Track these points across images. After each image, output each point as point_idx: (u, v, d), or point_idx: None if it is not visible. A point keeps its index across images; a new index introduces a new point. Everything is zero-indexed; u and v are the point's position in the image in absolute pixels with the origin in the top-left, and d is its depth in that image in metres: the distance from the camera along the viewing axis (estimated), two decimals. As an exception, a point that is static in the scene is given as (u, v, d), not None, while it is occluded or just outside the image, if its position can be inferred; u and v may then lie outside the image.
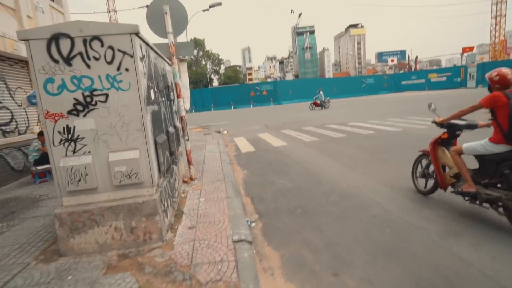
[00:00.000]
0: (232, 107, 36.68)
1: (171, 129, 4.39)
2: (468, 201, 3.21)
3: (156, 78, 3.84)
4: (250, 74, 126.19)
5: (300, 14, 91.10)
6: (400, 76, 49.01)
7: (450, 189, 3.51)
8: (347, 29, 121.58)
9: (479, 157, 3.09)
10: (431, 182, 3.83)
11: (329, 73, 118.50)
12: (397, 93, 42.83)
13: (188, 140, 5.27)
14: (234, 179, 5.25)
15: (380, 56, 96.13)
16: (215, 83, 72.62)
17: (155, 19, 4.98)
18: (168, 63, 5.15)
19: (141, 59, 3.10)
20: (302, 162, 6.24)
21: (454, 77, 42.24)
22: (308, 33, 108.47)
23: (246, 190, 4.71)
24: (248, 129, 13.33)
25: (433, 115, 3.80)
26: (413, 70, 60.08)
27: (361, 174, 5.06)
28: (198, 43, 65.41)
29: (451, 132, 3.53)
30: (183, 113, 5.15)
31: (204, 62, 69.06)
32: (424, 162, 3.98)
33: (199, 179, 5.23)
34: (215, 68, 71.72)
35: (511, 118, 2.72)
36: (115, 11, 49.55)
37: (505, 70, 2.88)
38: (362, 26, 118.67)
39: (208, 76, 65.69)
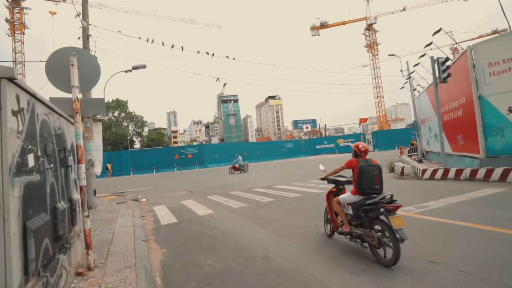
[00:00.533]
0: (154, 170, 34.25)
1: (61, 205, 3.32)
2: (348, 239, 4.18)
3: (42, 139, 2.95)
4: (175, 137, 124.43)
5: (224, 84, 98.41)
6: (315, 141, 55.15)
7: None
8: (266, 99, 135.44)
9: (350, 204, 4.01)
10: (330, 226, 4.75)
11: (252, 137, 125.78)
12: (313, 156, 47.30)
13: (88, 216, 4.12)
14: (149, 264, 4.18)
15: (296, 123, 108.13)
16: (137, 146, 68.34)
17: (58, 71, 4.22)
18: (70, 122, 4.26)
19: (16, 112, 2.30)
20: (232, 234, 5.56)
21: (356, 141, 49.51)
22: (232, 101, 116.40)
23: (164, 280, 3.70)
24: (170, 195, 12.08)
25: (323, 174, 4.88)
26: (323, 136, 68.76)
27: (295, 245, 4.64)
28: (120, 104, 62.46)
29: (337, 186, 4.61)
30: (83, 182, 4.11)
31: (126, 124, 65.30)
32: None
33: (101, 267, 3.99)
34: (137, 130, 68.09)
35: (359, 177, 3.74)
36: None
37: (358, 143, 4.02)
38: (279, 98, 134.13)
39: (129, 138, 61.56)
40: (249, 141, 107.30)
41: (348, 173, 4.42)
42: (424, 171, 11.44)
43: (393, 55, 22.45)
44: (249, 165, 24.65)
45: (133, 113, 65.55)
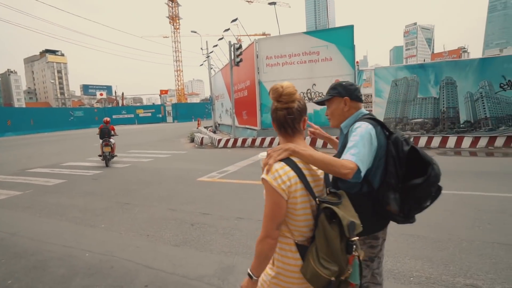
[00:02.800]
0: None
1: None
2: None
3: None
4: None
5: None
6: (111, 110, 49.30)
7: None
8: (43, 53, 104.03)
9: None
10: None
11: (20, 102, 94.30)
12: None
13: None
14: None
15: (86, 88, 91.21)
16: None
17: None
18: None
19: None
20: (2, 237, 3.95)
21: (157, 113, 49.20)
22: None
23: None
24: None
25: None
26: (120, 105, 62.86)
27: (105, 230, 4.02)
28: None
29: None
30: None
31: None
32: None
33: None
34: None
35: None
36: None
37: None
38: (62, 54, 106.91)
39: None
40: (15, 106, 79.77)
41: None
42: (219, 140, 13.23)
43: (195, 32, 23.53)
44: None
45: None
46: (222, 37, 16.63)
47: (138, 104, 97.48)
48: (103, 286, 2.69)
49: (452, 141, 9.55)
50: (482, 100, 9.42)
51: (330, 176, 1.33)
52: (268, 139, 12.01)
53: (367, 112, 1.62)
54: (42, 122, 35.06)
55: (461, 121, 9.67)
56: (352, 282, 1.09)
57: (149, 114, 48.94)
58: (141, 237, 3.73)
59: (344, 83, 1.61)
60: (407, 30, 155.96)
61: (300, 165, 1.18)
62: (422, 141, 9.80)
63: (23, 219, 4.68)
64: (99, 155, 9.51)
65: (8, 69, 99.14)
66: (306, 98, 11.88)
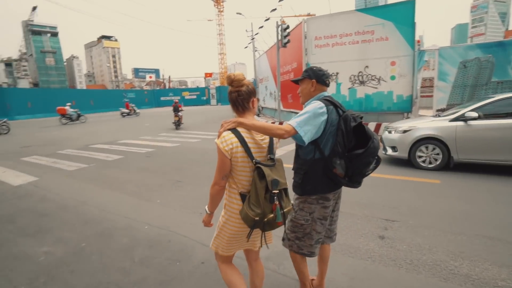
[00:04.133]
0: None
1: None
2: None
3: None
4: None
5: (34, 8, 72.24)
6: (159, 92, 51.93)
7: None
8: (99, 39, 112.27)
9: None
10: None
11: (81, 84, 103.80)
12: (157, 108, 44.82)
13: None
14: None
15: (137, 71, 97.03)
16: None
17: None
18: None
19: None
20: (73, 205, 4.38)
21: (201, 95, 50.63)
22: (48, 34, 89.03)
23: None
24: (-49, 161, 8.21)
25: None
26: (167, 88, 65.82)
27: (161, 206, 4.22)
28: None
29: None
30: None
31: None
32: None
33: None
34: None
35: None
36: None
37: None
38: (116, 40, 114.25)
39: None
40: (77, 87, 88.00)
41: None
42: (264, 124, 13.12)
43: (240, 13, 23.28)
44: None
45: None
46: (268, 18, 16.19)
47: (183, 86, 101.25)
48: (162, 258, 2.81)
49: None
50: None
51: (274, 148, 1.68)
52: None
53: (328, 94, 1.92)
54: (100, 102, 38.31)
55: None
56: (278, 221, 1.51)
57: (194, 97, 50.57)
58: (194, 215, 3.84)
59: (314, 68, 1.94)
60: (475, 4, 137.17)
61: (245, 134, 1.57)
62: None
63: (90, 189, 5.12)
64: (173, 122, 14.43)
65: (72, 55, 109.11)
66: (357, 81, 11.15)
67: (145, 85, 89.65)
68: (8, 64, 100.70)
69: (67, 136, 13.11)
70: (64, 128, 17.03)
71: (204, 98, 50.27)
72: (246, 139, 1.56)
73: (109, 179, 5.72)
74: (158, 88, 65.38)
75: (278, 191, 1.49)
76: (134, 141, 10.61)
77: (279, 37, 12.16)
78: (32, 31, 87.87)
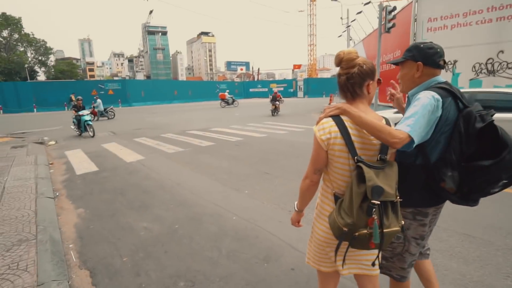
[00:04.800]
0: (66, 108, 29.10)
1: None
2: None
3: None
4: (91, 70, 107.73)
5: (151, 11, 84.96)
6: (248, 84, 54.28)
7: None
8: (199, 35, 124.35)
9: None
10: None
11: (182, 76, 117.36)
12: (247, 99, 46.82)
13: None
14: (59, 232, 3.12)
15: (229, 64, 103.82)
16: (42, 78, 56.01)
17: None
18: None
19: None
20: (170, 185, 4.70)
21: (288, 88, 50.60)
22: (160, 33, 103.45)
23: (82, 254, 2.75)
24: (87, 138, 10.17)
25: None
26: (256, 80, 68.22)
27: (248, 197, 4.11)
28: (10, 21, 47.58)
29: None
30: None
31: (22, 49, 51.36)
32: None
33: (-21, 240, 2.78)
34: (40, 59, 54.02)
35: None
36: None
37: None
38: (213, 35, 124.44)
39: (27, 66, 49.18)
40: (179, 79, 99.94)
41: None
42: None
43: (336, 0, 21.86)
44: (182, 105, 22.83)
45: (31, 36, 51.59)
46: (369, 1, 14.61)
47: (271, 79, 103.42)
48: (250, 255, 2.62)
49: None
50: None
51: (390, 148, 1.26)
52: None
53: (444, 80, 1.45)
54: (197, 92, 42.39)
55: None
56: (373, 241, 1.13)
57: (281, 89, 50.89)
58: (282, 211, 3.57)
59: (422, 45, 1.45)
60: None
61: (349, 124, 1.24)
62: None
63: (185, 172, 5.45)
64: (270, 110, 16.71)
65: (176, 50, 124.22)
66: (485, 70, 8.97)
67: (236, 77, 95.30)
68: (130, 60, 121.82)
69: (167, 122, 14.77)
70: (165, 116, 19.33)
71: (291, 90, 50.11)
72: (350, 130, 1.23)
73: (202, 164, 6.00)
74: (247, 80, 68.53)
75: (379, 202, 1.11)
76: (224, 129, 11.12)
77: (383, 21, 10.74)
78: (148, 31, 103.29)
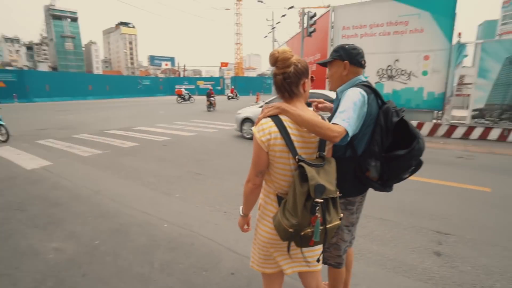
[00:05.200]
0: None
1: None
2: None
3: None
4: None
5: (54, -8, 73.30)
6: (174, 80, 51.90)
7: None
8: (117, 25, 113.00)
9: None
10: None
11: (98, 69, 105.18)
12: (172, 96, 44.73)
13: None
14: None
15: (152, 59, 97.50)
16: None
17: None
18: None
19: None
20: (87, 194, 4.08)
21: (216, 85, 50.29)
22: (69, 19, 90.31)
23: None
24: (-32, 140, 8.13)
25: None
26: (181, 76, 65.80)
27: (180, 201, 3.86)
28: None
29: None
30: None
31: None
32: None
33: None
34: None
35: None
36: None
37: None
38: (133, 26, 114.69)
39: None
40: (94, 73, 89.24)
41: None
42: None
43: (261, 1, 22.53)
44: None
45: None
46: (292, 6, 15.51)
47: (198, 76, 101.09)
48: (186, 264, 2.44)
49: None
50: None
51: (327, 144, 1.32)
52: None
53: (365, 79, 1.60)
54: (115, 88, 38.47)
55: None
56: (313, 239, 1.15)
57: (209, 86, 50.31)
58: (218, 213, 3.46)
59: (347, 46, 1.58)
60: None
61: (288, 124, 1.23)
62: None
63: (105, 178, 4.82)
64: (206, 105, 17.81)
65: (90, 40, 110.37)
66: (385, 75, 10.46)
67: (160, 72, 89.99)
68: (29, 47, 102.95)
69: (82, 120, 13.00)
70: (85, 113, 17.03)
71: (219, 88, 49.92)
72: (289, 130, 1.23)
73: (125, 168, 5.41)
74: (173, 76, 65.40)
75: (322, 200, 1.13)
76: (150, 128, 10.33)
77: (305, 25, 11.51)
78: (53, 15, 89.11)
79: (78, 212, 3.46)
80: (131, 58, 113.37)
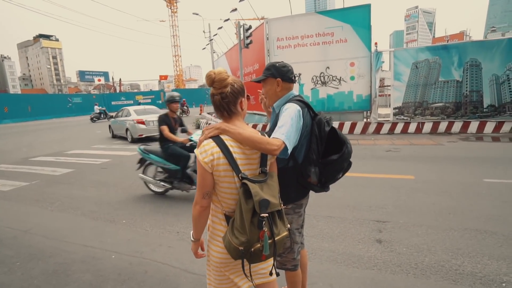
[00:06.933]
0: None
1: None
2: None
3: None
4: None
5: None
6: (110, 96, 48.42)
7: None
8: (36, 38, 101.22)
9: None
10: None
11: (15, 88, 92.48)
12: (109, 112, 41.58)
13: None
14: None
15: (82, 75, 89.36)
16: None
17: None
18: None
19: None
20: (12, 235, 3.54)
21: (156, 99, 48.32)
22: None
23: None
24: None
25: None
26: (117, 91, 61.69)
27: (127, 227, 3.61)
28: None
29: None
30: None
31: None
32: None
33: None
34: None
35: None
36: None
37: None
38: (57, 39, 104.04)
39: None
40: (10, 92, 78.14)
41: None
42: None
43: (197, 14, 22.56)
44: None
45: None
46: (227, 19, 15.84)
47: (136, 90, 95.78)
48: (141, 295, 2.30)
49: (474, 126, 9.13)
50: (509, 83, 8.93)
51: (268, 159, 1.36)
52: (279, 125, 11.53)
53: (297, 94, 1.76)
54: (40, 109, 34.31)
55: (485, 105, 9.20)
56: (264, 253, 1.18)
57: (149, 100, 47.95)
58: (170, 234, 3.33)
59: (277, 64, 1.70)
60: (408, 13, 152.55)
61: (230, 143, 1.27)
62: (442, 126, 9.36)
63: (34, 213, 4.26)
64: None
65: (1, 55, 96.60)
66: (319, 82, 11.32)
67: (93, 89, 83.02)
68: None
69: (1, 148, 11.27)
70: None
71: (160, 102, 48.02)
72: (231, 148, 1.26)
73: (59, 198, 4.85)
74: (108, 92, 60.84)
75: (267, 214, 1.18)
76: (85, 151, 9.45)
77: (242, 37, 11.86)
78: (-51, 28, 75.99)
79: (1, 259, 2.99)
80: (57, 75, 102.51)
